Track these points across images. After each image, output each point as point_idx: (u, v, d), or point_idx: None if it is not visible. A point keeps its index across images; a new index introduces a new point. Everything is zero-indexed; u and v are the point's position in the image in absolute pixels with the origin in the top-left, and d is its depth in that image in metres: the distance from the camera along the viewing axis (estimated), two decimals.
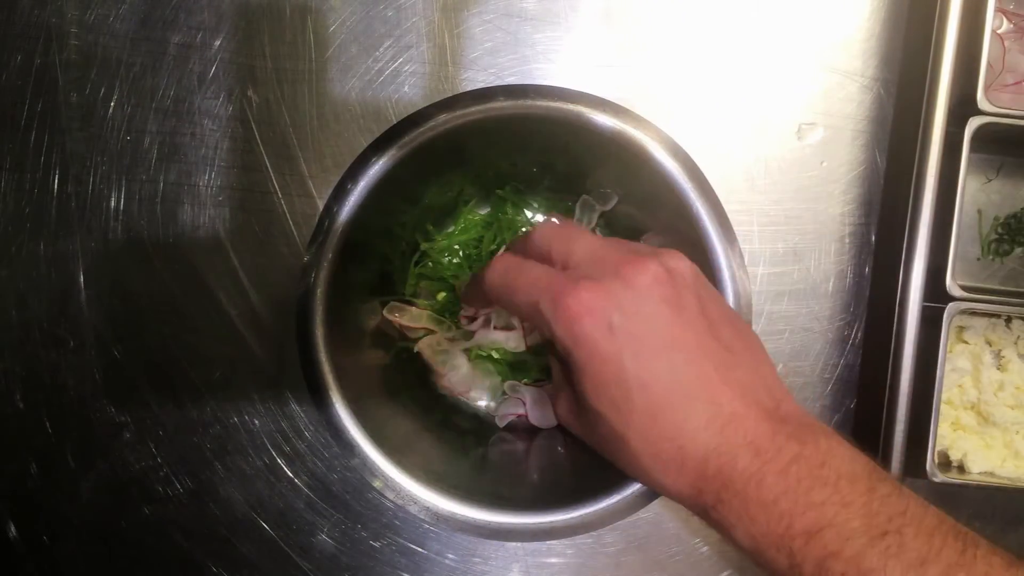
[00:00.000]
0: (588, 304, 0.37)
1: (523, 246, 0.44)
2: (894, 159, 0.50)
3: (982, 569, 0.33)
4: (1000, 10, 0.54)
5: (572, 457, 0.56)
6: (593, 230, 0.60)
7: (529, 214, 0.61)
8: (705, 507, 0.38)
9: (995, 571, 0.33)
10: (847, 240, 0.51)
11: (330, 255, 0.50)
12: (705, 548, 0.51)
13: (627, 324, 0.37)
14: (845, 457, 0.36)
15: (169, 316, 0.50)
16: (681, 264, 0.40)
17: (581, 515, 0.50)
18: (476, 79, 0.50)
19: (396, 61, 0.50)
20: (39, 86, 0.49)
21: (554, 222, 0.50)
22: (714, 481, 0.36)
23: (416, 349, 0.59)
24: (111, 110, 0.50)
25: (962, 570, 0.33)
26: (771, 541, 0.35)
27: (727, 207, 0.50)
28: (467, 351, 0.59)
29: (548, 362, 0.53)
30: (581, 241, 0.42)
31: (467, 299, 0.54)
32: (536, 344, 0.58)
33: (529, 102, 0.50)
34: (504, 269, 0.42)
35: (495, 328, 0.58)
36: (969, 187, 0.55)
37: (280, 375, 0.50)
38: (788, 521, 0.34)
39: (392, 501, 0.50)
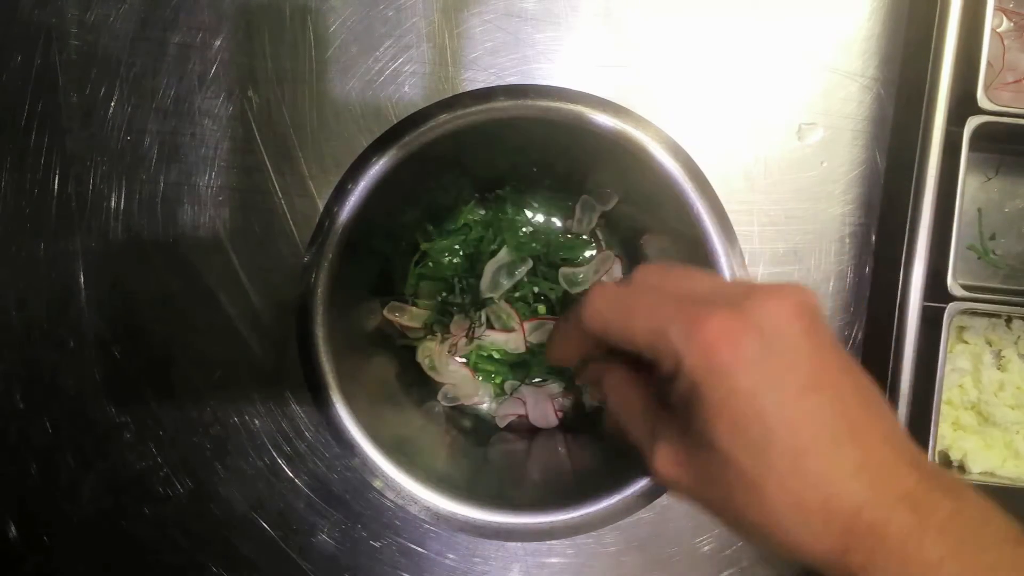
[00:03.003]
0: (727, 332, 0.33)
1: (622, 286, 0.39)
2: (894, 159, 0.50)
3: None
4: (1000, 8, 0.54)
5: (572, 457, 0.56)
6: (593, 231, 0.60)
7: (529, 214, 0.61)
8: (851, 569, 0.32)
9: None
10: (847, 240, 0.51)
11: (330, 255, 0.50)
12: (706, 548, 0.51)
13: (769, 356, 0.33)
14: (1003, 517, 0.33)
15: (169, 316, 0.50)
16: (812, 298, 0.36)
17: (581, 515, 0.50)
18: (476, 79, 0.50)
19: (396, 61, 0.50)
20: (39, 86, 0.49)
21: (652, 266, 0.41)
22: (866, 538, 0.31)
23: (417, 359, 0.59)
24: (111, 110, 0.50)
25: None
26: None
27: (727, 207, 0.50)
28: (467, 357, 0.59)
29: (609, 423, 0.45)
30: (700, 275, 0.37)
31: (555, 355, 0.44)
32: (536, 344, 0.58)
33: (529, 102, 0.50)
34: (614, 295, 0.37)
35: (496, 330, 0.58)
36: (969, 186, 0.55)
37: (280, 375, 0.50)
38: None
39: (392, 501, 0.50)
